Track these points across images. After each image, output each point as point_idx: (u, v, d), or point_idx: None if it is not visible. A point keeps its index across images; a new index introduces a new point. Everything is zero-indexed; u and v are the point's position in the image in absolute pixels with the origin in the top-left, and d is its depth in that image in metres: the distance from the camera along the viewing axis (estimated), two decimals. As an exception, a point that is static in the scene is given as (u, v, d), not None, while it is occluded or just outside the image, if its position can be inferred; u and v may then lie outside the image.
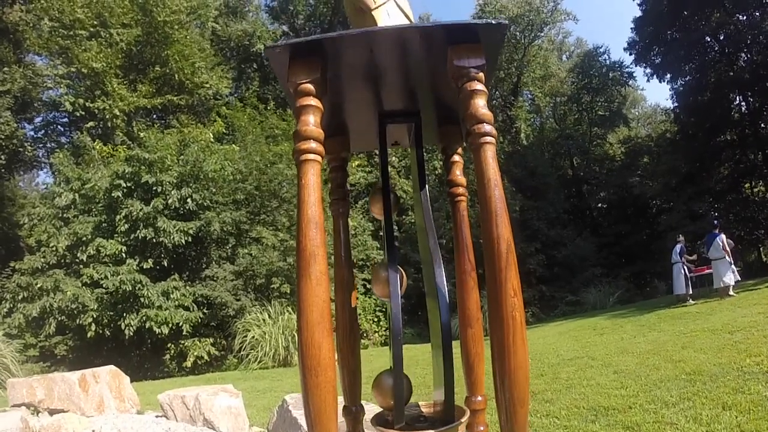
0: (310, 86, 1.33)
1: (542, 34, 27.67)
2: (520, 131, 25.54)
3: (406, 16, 1.70)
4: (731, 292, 11.00)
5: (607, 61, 26.16)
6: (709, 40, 21.99)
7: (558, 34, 30.53)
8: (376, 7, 1.65)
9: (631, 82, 26.57)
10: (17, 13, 18.52)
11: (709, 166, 22.24)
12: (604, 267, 19.92)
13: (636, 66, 24.20)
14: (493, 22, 1.26)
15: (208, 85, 18.76)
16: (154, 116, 19.09)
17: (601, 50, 26.32)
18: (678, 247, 12.22)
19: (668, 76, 23.02)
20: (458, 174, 1.92)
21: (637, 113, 35.86)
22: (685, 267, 11.84)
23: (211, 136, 14.51)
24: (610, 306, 15.76)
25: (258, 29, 25.84)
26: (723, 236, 11.49)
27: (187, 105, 18.61)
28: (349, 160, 1.99)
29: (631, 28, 23.56)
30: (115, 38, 16.03)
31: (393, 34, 1.32)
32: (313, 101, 1.33)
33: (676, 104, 23.84)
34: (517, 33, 26.63)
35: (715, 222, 12.45)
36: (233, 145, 15.22)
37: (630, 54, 23.80)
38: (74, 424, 4.68)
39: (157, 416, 5.45)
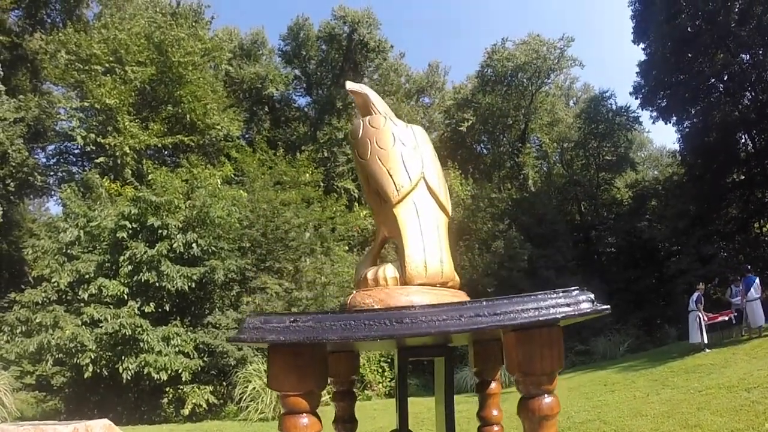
0: (302, 402, 1.00)
1: (549, 80, 28.05)
2: (527, 178, 25.56)
3: (438, 202, 1.42)
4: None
5: (614, 106, 26.36)
6: (713, 81, 22.05)
7: (565, 80, 31.01)
8: (401, 200, 1.38)
9: (637, 125, 26.73)
10: (37, 42, 19.03)
11: (717, 207, 22.03)
12: (614, 314, 19.50)
13: (642, 110, 24.39)
14: (588, 308, 0.97)
15: (219, 127, 18.97)
16: (165, 153, 19.24)
17: (608, 95, 26.58)
18: (695, 295, 12.17)
19: (674, 118, 23.12)
20: (494, 412, 1.62)
21: (643, 156, 35.91)
22: (701, 316, 11.70)
23: (219, 181, 14.49)
24: (620, 356, 15.34)
25: (270, 72, 26.40)
26: (757, 279, 12.28)
27: (197, 145, 18.77)
28: (356, 382, 1.69)
29: (636, 72, 23.81)
30: (129, 75, 16.29)
31: (434, 347, 1.04)
32: (305, 425, 1.01)
33: (682, 146, 23.87)
34: (525, 80, 27.01)
35: (749, 266, 13.34)
36: (241, 191, 15.21)
37: (636, 98, 23.98)
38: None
39: None
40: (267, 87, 25.48)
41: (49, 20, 20.92)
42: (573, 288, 1.05)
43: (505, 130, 28.62)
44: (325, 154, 24.87)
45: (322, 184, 20.47)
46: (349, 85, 1.73)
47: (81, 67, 16.04)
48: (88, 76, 15.89)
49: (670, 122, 23.35)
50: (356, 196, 23.14)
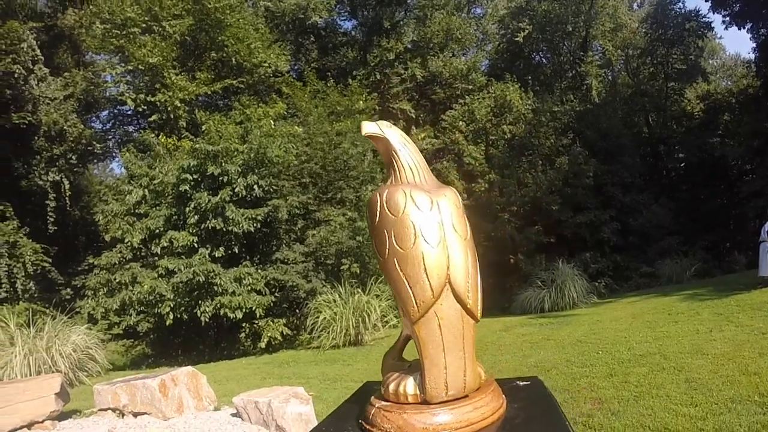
0: None
1: (610, -19, 25.62)
2: (591, 88, 24.06)
3: (466, 309, 1.29)
4: None
5: (683, 10, 23.91)
6: (795, -15, 19.54)
7: (629, -19, 28.23)
8: (421, 317, 1.26)
9: (708, 31, 24.22)
10: (71, 17, 19.21)
11: (795, 127, 20.11)
12: (681, 235, 18.73)
13: (713, 13, 22.00)
14: None
15: (266, 64, 18.74)
16: (216, 98, 19.37)
17: (676, -3, 24.04)
18: (767, 224, 11.42)
19: (749, 24, 20.75)
20: None
21: (715, 65, 32.82)
22: None
23: (272, 122, 14.45)
24: (686, 281, 14.91)
25: (312, 1, 25.45)
26: None
27: (247, 85, 18.74)
28: None
29: (708, -30, 21.41)
30: (168, 31, 16.16)
31: None
32: None
33: (757, 56, 21.55)
34: (584, -18, 24.83)
35: None
36: (296, 127, 15.11)
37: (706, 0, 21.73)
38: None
39: (232, 415, 5.79)
40: (310, 16, 24.62)
41: (77, -6, 20.92)
42: None
43: (564, 38, 26.73)
44: (378, 77, 24.23)
45: (377, 108, 20.17)
46: (366, 128, 1.48)
47: (119, 33, 16.03)
48: (126, 40, 15.90)
49: (744, 28, 21.00)
50: (413, 116, 22.75)
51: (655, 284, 15.68)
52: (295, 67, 24.96)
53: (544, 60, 29.44)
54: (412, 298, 1.27)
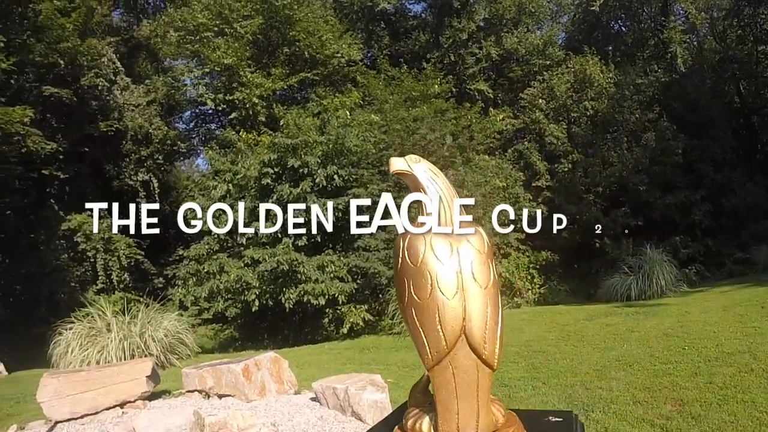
0: None
1: (690, -63, 23.41)
2: (676, 56, 22.31)
3: (482, 359, 1.32)
4: None
5: (768, -37, 21.26)
6: None
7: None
8: (434, 365, 1.31)
9: None
10: (146, 28, 20.35)
11: None
12: (777, 216, 17.08)
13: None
14: None
15: (339, 55, 19.02)
16: (292, 91, 19.87)
17: (761, -50, 21.41)
18: None
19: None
20: None
21: None
22: None
23: (348, 112, 14.61)
24: (784, 268, 13.76)
25: (379, -13, 25.25)
26: None
27: (322, 77, 19.11)
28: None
29: None
30: (239, 32, 16.76)
31: None
32: None
33: None
34: (659, -61, 22.84)
35: None
36: (372, 116, 15.21)
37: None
38: (238, 420, 5.43)
39: (311, 399, 6.04)
40: (378, 2, 24.49)
41: (150, 6, 22.20)
42: None
43: (643, 2, 24.86)
44: (452, 59, 23.78)
45: (454, 90, 19.82)
46: (394, 166, 1.51)
47: (193, 38, 16.80)
48: (201, 44, 16.64)
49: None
50: (491, 96, 22.27)
51: (750, 272, 14.45)
52: (368, 55, 25.04)
53: (623, 29, 27.56)
54: (427, 347, 1.33)
